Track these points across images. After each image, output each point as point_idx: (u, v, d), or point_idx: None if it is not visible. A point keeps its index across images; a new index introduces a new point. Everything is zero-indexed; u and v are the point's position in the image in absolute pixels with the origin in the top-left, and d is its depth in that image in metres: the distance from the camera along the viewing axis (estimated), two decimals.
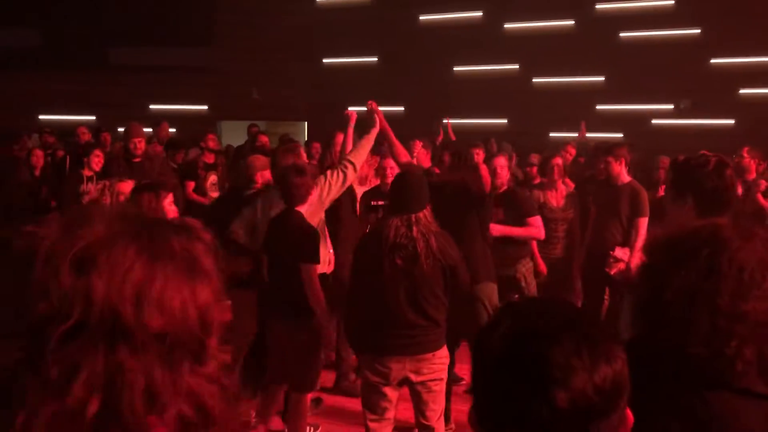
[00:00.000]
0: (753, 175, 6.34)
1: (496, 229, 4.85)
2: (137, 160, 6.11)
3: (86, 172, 6.12)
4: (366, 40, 12.40)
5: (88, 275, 0.84)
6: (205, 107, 13.31)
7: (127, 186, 4.22)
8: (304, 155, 5.75)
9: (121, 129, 11.33)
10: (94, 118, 12.44)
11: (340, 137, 4.96)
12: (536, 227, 5.13)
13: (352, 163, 4.34)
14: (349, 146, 4.61)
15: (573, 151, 8.07)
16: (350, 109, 4.82)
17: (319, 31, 12.86)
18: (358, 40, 12.44)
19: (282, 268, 3.83)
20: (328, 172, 4.31)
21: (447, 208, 4.12)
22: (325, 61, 13.08)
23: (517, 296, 5.42)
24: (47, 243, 0.88)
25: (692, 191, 2.62)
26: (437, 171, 4.66)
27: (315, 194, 4.08)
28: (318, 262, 3.80)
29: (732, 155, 7.75)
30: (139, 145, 6.14)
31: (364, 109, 4.96)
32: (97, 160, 6.20)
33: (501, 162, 5.19)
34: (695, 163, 2.68)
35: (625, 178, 5.53)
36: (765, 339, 1.28)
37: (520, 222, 5.07)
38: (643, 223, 5.39)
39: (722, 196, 2.59)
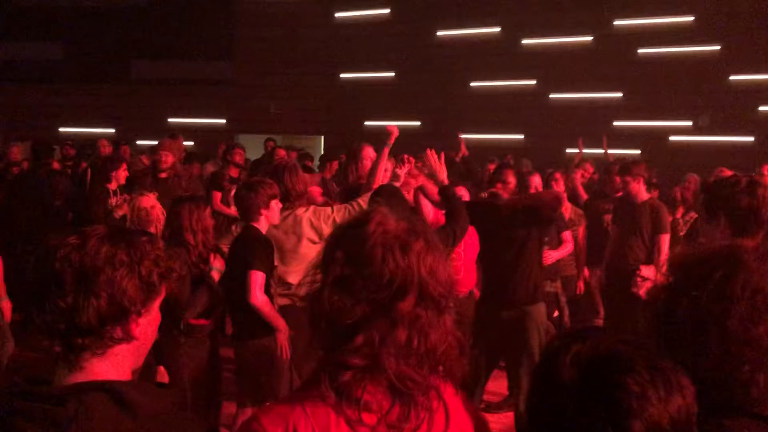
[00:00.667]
0: None
1: (550, 257, 5.06)
2: (163, 175, 6.16)
3: (111, 186, 6.16)
4: (383, 55, 12.46)
5: (408, 257, 1.27)
6: (223, 121, 13.43)
7: (148, 200, 4.29)
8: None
9: (140, 142, 11.52)
10: (113, 130, 12.60)
11: (368, 150, 4.85)
12: (570, 242, 5.43)
13: (360, 205, 3.87)
14: (382, 164, 4.38)
15: (591, 169, 8.06)
16: (390, 125, 4.66)
17: (336, 46, 12.95)
18: (376, 55, 12.50)
19: (236, 282, 3.69)
20: (336, 207, 4.04)
21: (511, 229, 4.21)
22: (342, 75, 13.16)
23: (556, 312, 5.51)
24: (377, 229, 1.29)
25: (724, 211, 2.65)
26: (502, 191, 4.60)
27: (291, 218, 3.94)
28: (263, 271, 3.58)
29: (751, 173, 7.69)
30: (165, 159, 6.17)
31: (387, 123, 4.90)
32: (123, 174, 6.23)
33: (537, 181, 5.26)
34: (727, 183, 2.71)
35: (644, 195, 5.55)
36: None
37: (556, 238, 5.29)
38: (665, 239, 5.43)
39: (755, 215, 2.61)
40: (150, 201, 4.34)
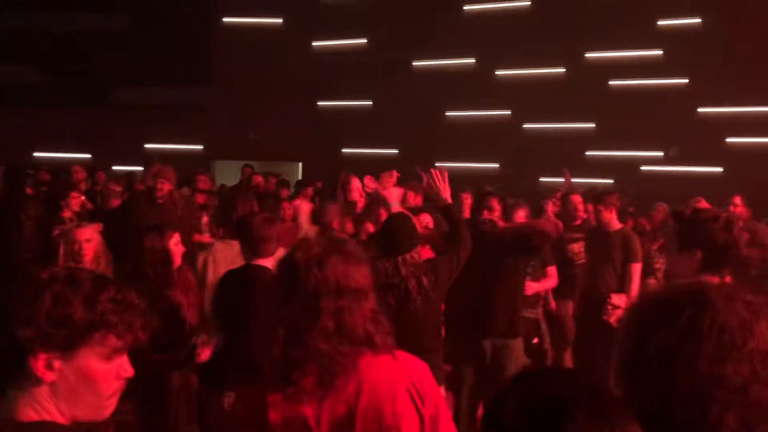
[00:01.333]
0: (739, 224, 6.43)
1: (532, 288, 5.06)
2: (161, 201, 6.19)
3: (65, 214, 6.08)
4: (361, 84, 12.60)
5: (324, 270, 1.83)
6: (201, 147, 13.43)
7: (84, 233, 3.97)
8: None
9: (116, 167, 11.46)
10: (89, 156, 12.53)
11: (355, 182, 4.92)
12: (553, 276, 5.47)
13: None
14: (392, 198, 4.27)
15: (559, 195, 8.21)
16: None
17: (315, 74, 13.08)
18: (353, 84, 12.64)
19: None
20: None
21: (496, 257, 4.19)
22: (320, 103, 13.28)
23: (536, 339, 5.56)
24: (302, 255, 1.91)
25: (702, 246, 2.67)
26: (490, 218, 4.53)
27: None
28: None
29: (720, 202, 7.89)
30: (164, 187, 6.21)
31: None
32: (75, 201, 6.18)
33: (521, 215, 5.25)
34: (705, 218, 2.74)
35: (617, 224, 5.65)
36: (746, 406, 1.25)
37: (540, 270, 5.36)
38: (636, 269, 5.51)
39: (730, 253, 2.66)
40: (86, 234, 4.01)
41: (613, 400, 1.04)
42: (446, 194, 3.77)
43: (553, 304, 6.09)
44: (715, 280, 2.49)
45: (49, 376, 1.30)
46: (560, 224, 4.47)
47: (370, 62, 12.45)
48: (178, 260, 3.85)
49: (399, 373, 1.87)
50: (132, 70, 13.25)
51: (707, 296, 1.32)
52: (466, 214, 7.50)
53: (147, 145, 12.92)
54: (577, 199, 5.93)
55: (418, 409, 1.84)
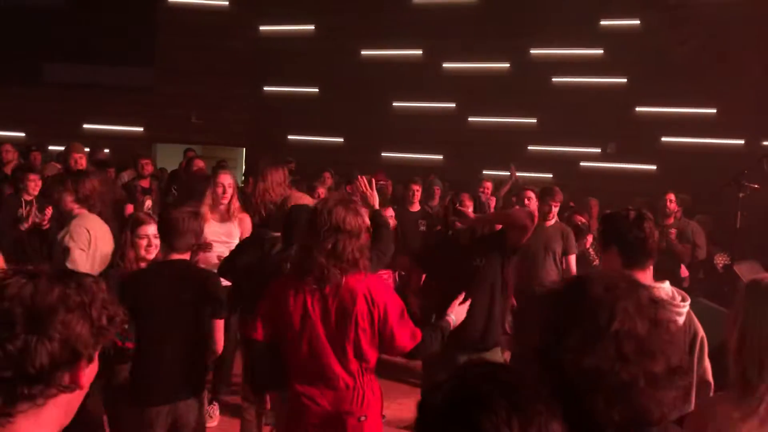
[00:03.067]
0: (671, 220, 6.72)
1: None
2: None
3: (26, 197, 5.90)
4: (308, 71, 12.53)
5: (333, 216, 2.95)
6: (141, 129, 13.12)
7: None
8: None
9: (52, 147, 11.09)
10: (23, 134, 12.08)
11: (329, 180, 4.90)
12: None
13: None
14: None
15: (489, 185, 8.53)
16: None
17: (261, 59, 12.94)
18: (300, 70, 12.56)
19: None
20: None
21: (471, 259, 4.01)
22: (266, 88, 13.14)
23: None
24: None
25: (616, 242, 2.85)
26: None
27: None
28: None
29: (653, 198, 8.21)
30: (80, 162, 6.01)
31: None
32: (33, 185, 5.97)
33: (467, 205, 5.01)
34: (618, 216, 2.93)
35: (554, 218, 5.89)
36: (614, 387, 1.35)
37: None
38: (572, 260, 5.75)
39: (643, 246, 2.81)
40: None
41: (537, 395, 1.07)
42: (373, 201, 3.80)
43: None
44: (638, 274, 2.62)
45: (84, 382, 1.22)
46: (536, 214, 4.31)
47: (317, 49, 12.39)
48: None
49: (362, 285, 2.92)
50: (70, 48, 12.80)
51: (585, 289, 1.42)
52: (416, 205, 7.60)
53: (85, 126, 12.54)
54: (529, 193, 6.07)
55: (369, 309, 2.91)
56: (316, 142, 12.49)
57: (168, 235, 3.55)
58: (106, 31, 12.39)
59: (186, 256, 3.60)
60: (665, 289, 2.72)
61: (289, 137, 12.79)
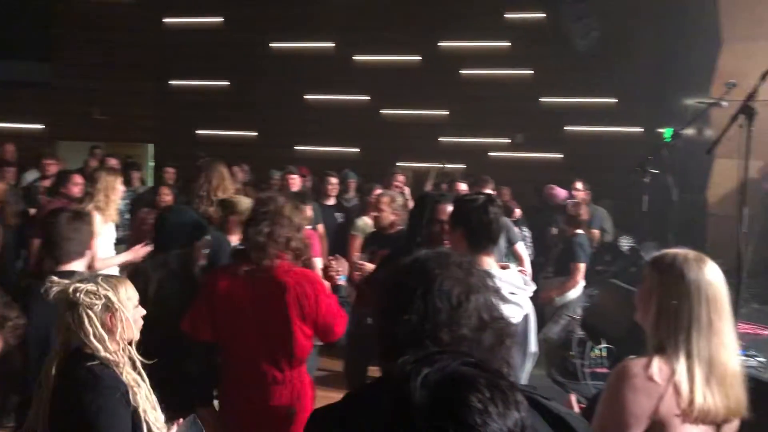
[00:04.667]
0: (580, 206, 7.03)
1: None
2: None
3: None
4: (217, 64, 12.29)
5: (270, 206, 3.25)
6: (42, 126, 12.50)
7: None
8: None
9: None
10: None
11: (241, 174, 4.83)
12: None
13: None
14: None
15: (401, 178, 8.71)
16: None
17: (166, 52, 12.58)
18: (209, 63, 12.30)
19: None
20: None
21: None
22: (173, 82, 12.78)
23: None
24: None
25: (463, 225, 2.94)
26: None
27: None
28: None
29: (558, 185, 8.56)
30: None
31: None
32: None
33: (385, 200, 5.09)
34: (467, 200, 3.03)
35: None
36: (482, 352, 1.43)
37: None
38: (520, 248, 5.91)
39: (487, 231, 2.90)
40: None
41: (501, 374, 1.15)
42: None
43: None
44: (482, 258, 2.75)
45: None
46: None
47: (226, 42, 12.16)
48: None
49: (294, 277, 3.09)
50: None
51: (428, 268, 1.50)
52: (333, 198, 7.64)
53: None
54: (460, 186, 6.22)
55: (300, 300, 3.04)
56: (228, 136, 12.28)
57: (50, 243, 3.23)
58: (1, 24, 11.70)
59: (78, 265, 3.26)
60: (510, 274, 2.80)
61: (199, 132, 12.51)
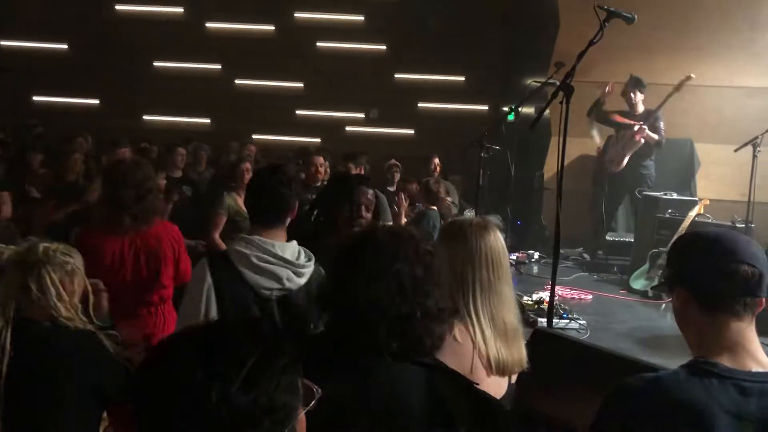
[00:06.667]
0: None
1: None
2: None
3: None
4: (53, 25, 11.38)
5: (139, 173, 3.70)
6: None
7: None
8: None
9: None
10: None
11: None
12: None
13: None
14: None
15: (253, 149, 8.66)
16: None
17: None
18: (44, 24, 11.36)
19: None
20: None
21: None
22: (4, 43, 11.70)
23: None
24: None
25: (251, 197, 3.02)
26: None
27: None
28: None
29: (412, 160, 8.81)
30: None
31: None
32: None
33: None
34: (259, 173, 3.08)
35: None
36: (396, 317, 1.63)
37: None
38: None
39: (273, 206, 2.84)
40: None
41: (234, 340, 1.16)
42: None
43: None
44: (267, 232, 2.74)
45: None
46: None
47: (64, 1, 11.28)
48: None
49: (162, 230, 3.66)
50: None
51: (375, 236, 1.70)
52: (180, 170, 7.40)
53: None
54: (319, 160, 6.18)
55: (172, 248, 3.62)
56: (67, 104, 11.46)
57: None
58: None
59: None
60: (292, 247, 2.78)
61: (35, 98, 11.59)
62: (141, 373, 1.07)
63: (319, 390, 1.13)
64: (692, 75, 7.58)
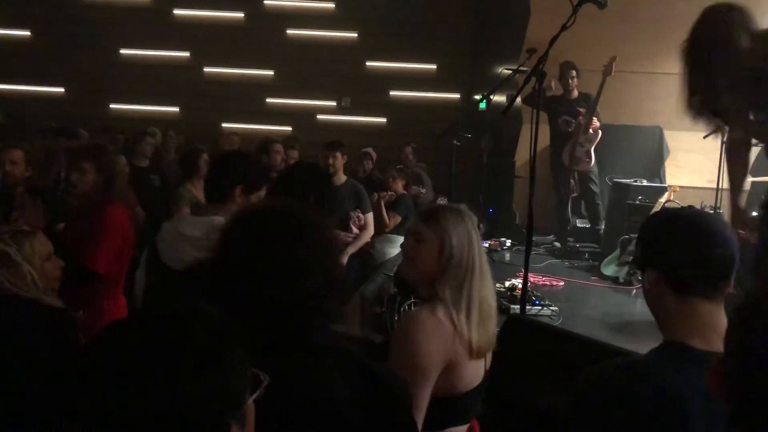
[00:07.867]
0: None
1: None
2: None
3: None
4: (16, 11, 11.09)
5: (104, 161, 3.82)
6: None
7: None
8: None
9: None
10: None
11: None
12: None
13: None
14: None
15: (237, 139, 8.53)
16: None
17: None
18: (5, 10, 11.07)
19: None
20: None
21: None
22: None
23: None
24: None
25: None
26: None
27: None
28: None
29: (385, 150, 8.78)
30: None
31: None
32: None
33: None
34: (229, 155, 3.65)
35: (343, 176, 6.01)
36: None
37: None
38: (370, 218, 5.96)
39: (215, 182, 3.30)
40: None
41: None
42: None
43: None
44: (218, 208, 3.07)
45: None
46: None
47: None
48: None
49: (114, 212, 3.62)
50: None
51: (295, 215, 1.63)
52: (147, 159, 7.28)
53: None
54: (278, 147, 6.12)
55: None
56: (30, 92, 11.19)
57: None
58: None
59: None
60: (218, 220, 2.82)
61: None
62: (86, 358, 1.03)
63: (267, 377, 1.11)
64: (616, 57, 7.68)
